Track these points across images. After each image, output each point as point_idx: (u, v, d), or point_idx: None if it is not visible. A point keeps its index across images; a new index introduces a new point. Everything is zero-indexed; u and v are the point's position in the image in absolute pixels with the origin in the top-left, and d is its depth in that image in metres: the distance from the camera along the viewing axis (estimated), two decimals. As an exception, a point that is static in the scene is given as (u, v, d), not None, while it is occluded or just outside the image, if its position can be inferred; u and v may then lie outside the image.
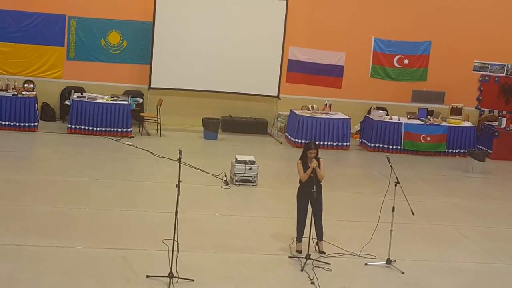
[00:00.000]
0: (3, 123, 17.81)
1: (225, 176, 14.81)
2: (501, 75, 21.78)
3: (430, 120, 19.74)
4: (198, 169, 15.49)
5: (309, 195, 10.64)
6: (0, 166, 14.55)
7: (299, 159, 10.92)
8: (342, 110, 19.83)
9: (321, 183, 10.86)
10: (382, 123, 19.31)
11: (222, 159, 16.11)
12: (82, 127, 18.15)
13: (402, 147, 19.30)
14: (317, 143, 11.68)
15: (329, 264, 10.53)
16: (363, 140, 19.76)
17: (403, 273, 10.46)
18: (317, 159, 10.78)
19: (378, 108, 20.15)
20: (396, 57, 21.27)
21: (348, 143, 19.23)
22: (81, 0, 19.64)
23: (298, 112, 19.38)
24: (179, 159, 9.67)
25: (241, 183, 14.56)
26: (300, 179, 10.89)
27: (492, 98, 21.78)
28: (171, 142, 18.22)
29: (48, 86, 19.56)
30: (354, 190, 15.28)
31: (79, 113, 18.12)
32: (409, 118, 19.71)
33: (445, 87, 21.54)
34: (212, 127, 19.16)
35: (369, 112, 20.21)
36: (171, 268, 9.35)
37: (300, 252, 10.87)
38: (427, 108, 20.22)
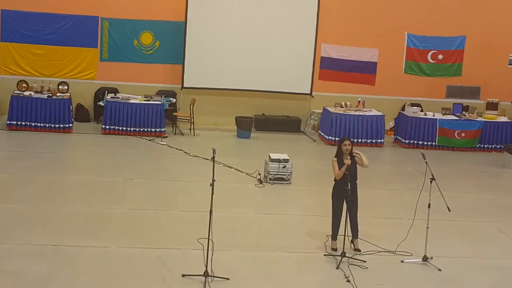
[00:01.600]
0: (39, 124, 17.98)
1: (259, 174, 14.80)
2: (538, 68, 21.52)
3: (466, 116, 19.53)
4: (232, 168, 15.50)
5: (344, 193, 10.58)
6: (36, 167, 14.70)
7: (334, 157, 10.86)
8: (376, 106, 19.71)
9: (356, 181, 10.79)
10: (417, 119, 19.16)
11: (256, 157, 16.10)
12: (116, 128, 18.26)
13: (436, 143, 19.13)
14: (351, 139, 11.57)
15: (365, 261, 10.47)
16: (398, 137, 19.63)
17: (440, 270, 10.37)
18: (352, 155, 10.71)
19: (412, 104, 20.00)
20: (430, 53, 21.08)
21: (382, 140, 19.11)
22: (113, 2, 19.77)
23: (331, 109, 19.30)
24: (213, 158, 9.68)
25: (275, 182, 14.53)
26: (335, 177, 10.84)
27: (528, 92, 21.51)
28: (205, 141, 18.26)
29: (82, 87, 19.70)
30: (389, 187, 15.19)
31: (113, 114, 18.23)
32: (444, 114, 19.52)
33: (480, 82, 21.32)
34: (245, 126, 19.16)
35: (403, 109, 20.07)
36: (206, 267, 9.36)
37: (335, 250, 10.82)
38: (462, 104, 20.01)
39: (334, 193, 10.94)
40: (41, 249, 10.20)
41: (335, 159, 10.84)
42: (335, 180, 10.88)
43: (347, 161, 10.57)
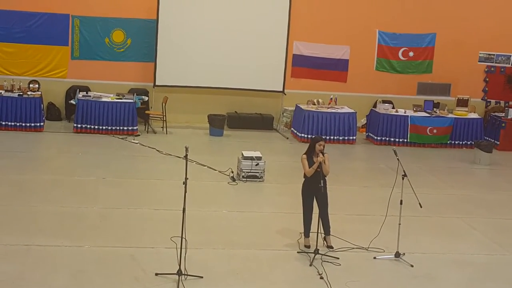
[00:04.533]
0: (9, 123, 17.82)
1: (232, 172, 14.80)
2: (507, 65, 21.70)
3: (437, 112, 19.68)
4: (204, 166, 15.48)
5: (315, 190, 10.61)
6: (7, 166, 14.57)
7: (304, 154, 10.90)
8: (348, 104, 19.79)
9: (325, 177, 10.83)
10: (388, 116, 19.27)
11: (229, 155, 16.09)
12: (88, 126, 18.15)
13: (408, 140, 19.25)
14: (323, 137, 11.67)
15: (338, 258, 10.52)
16: (370, 134, 19.73)
17: (412, 266, 10.45)
18: (322, 154, 10.75)
19: (384, 101, 20.11)
20: (401, 50, 21.21)
21: (354, 137, 19.19)
22: (84, -1, 19.66)
23: (303, 107, 19.34)
24: (186, 156, 9.66)
25: (248, 179, 14.55)
26: (304, 174, 10.87)
27: (498, 89, 21.70)
28: (177, 139, 18.22)
29: (53, 85, 19.55)
30: (362, 184, 15.26)
31: (84, 112, 18.12)
32: (415, 111, 19.65)
33: (451, 79, 21.48)
34: (218, 124, 19.14)
35: (375, 106, 20.17)
36: (179, 265, 9.34)
37: (308, 247, 10.85)
38: (433, 100, 20.16)
39: (304, 190, 10.97)
40: (12, 249, 10.12)
41: (305, 156, 10.86)
42: (304, 177, 10.91)
43: (320, 158, 10.61)
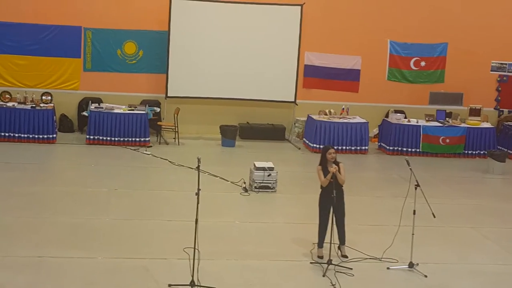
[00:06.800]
0: (22, 135, 17.89)
1: (244, 183, 14.79)
2: (519, 74, 21.65)
3: (449, 122, 19.63)
4: (217, 176, 15.48)
5: (331, 200, 10.58)
6: (20, 178, 14.62)
7: (319, 165, 10.88)
8: (360, 114, 19.77)
9: (342, 187, 10.80)
10: (400, 126, 19.22)
11: (241, 166, 16.08)
12: (100, 138, 18.19)
13: (421, 150, 19.20)
14: (335, 147, 11.67)
15: (351, 269, 10.48)
16: (382, 144, 19.68)
17: (425, 276, 10.40)
18: (337, 163, 10.74)
19: (396, 111, 20.06)
20: (413, 60, 21.16)
21: (366, 147, 19.15)
22: (96, 11, 19.71)
23: (315, 117, 19.33)
24: (198, 167, 9.66)
25: (260, 190, 14.53)
26: (321, 185, 10.85)
27: (510, 98, 21.60)
28: (189, 150, 18.23)
29: (65, 97, 19.63)
30: (374, 194, 15.21)
31: (97, 124, 18.17)
32: (427, 121, 19.61)
33: (463, 88, 21.41)
34: (230, 134, 19.15)
35: (387, 116, 20.12)
36: (192, 276, 9.34)
37: (321, 257, 10.82)
38: (445, 110, 20.10)
39: (321, 201, 10.94)
40: (25, 260, 10.14)
41: (320, 167, 10.86)
42: (321, 187, 10.89)
43: (333, 169, 10.59)
